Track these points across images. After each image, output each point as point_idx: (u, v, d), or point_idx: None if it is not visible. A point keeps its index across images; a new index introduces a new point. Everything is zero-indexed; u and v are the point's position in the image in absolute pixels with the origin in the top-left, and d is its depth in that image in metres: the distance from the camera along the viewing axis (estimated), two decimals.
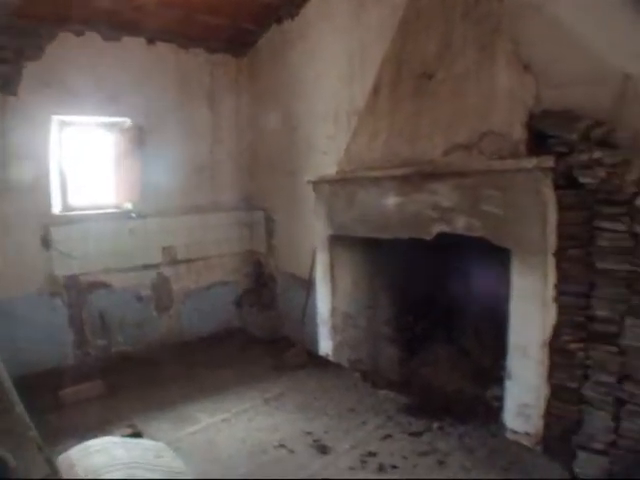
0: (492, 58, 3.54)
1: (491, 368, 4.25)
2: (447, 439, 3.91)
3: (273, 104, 6.14)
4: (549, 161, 3.05)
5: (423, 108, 3.90)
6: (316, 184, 4.74)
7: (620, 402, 2.96)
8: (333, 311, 4.84)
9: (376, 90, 4.30)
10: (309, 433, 4.10)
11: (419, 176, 3.73)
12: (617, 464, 2.97)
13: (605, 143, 3.05)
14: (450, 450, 3.76)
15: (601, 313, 3.01)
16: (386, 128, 4.14)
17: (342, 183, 4.45)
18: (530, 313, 3.23)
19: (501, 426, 3.46)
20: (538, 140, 3.25)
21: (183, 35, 5.92)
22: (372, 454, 3.77)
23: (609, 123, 3.09)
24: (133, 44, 5.64)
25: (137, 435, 3.83)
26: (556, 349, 3.17)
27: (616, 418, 2.98)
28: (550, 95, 3.34)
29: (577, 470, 3.12)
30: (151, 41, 5.78)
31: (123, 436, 3.61)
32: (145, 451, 3.14)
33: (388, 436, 4.01)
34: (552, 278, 3.12)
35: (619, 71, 3.08)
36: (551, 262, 3.12)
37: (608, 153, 2.92)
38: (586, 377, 3.09)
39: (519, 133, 3.33)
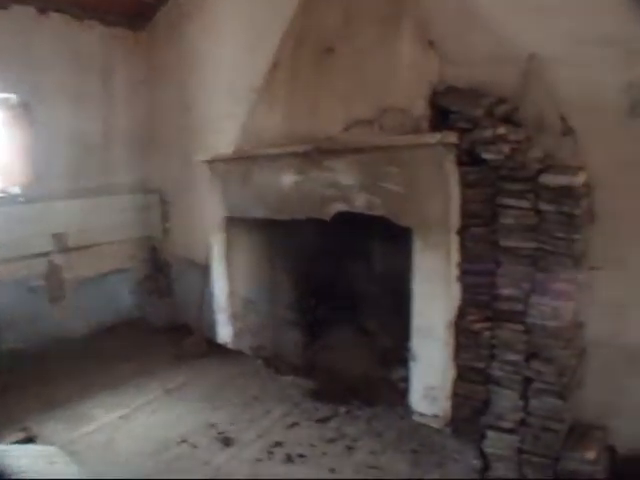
0: (396, 33, 3.41)
1: (396, 349, 4.15)
2: (355, 423, 3.79)
3: (170, 81, 5.77)
4: (452, 137, 2.95)
5: (323, 83, 3.71)
6: (211, 163, 4.43)
7: (527, 380, 2.94)
8: (231, 296, 4.57)
9: (275, 65, 4.06)
10: (212, 425, 3.87)
11: (317, 153, 3.53)
12: (529, 443, 2.95)
13: (509, 120, 3.03)
14: (358, 435, 3.65)
15: (506, 291, 2.97)
16: (284, 104, 3.91)
17: (238, 162, 4.18)
18: (434, 293, 3.14)
19: (409, 408, 3.38)
20: (441, 116, 3.18)
21: (77, 6, 5.41)
22: (278, 444, 3.60)
23: (513, 101, 3.09)
24: (22, 13, 5.08)
25: (30, 440, 3.55)
26: (461, 329, 3.12)
27: (524, 396, 2.96)
28: (455, 72, 3.33)
29: (487, 450, 3.09)
30: (42, 11, 5.23)
31: (14, 442, 3.38)
32: (36, 458, 2.89)
33: (294, 424, 3.84)
34: (455, 257, 3.06)
35: (524, 51, 3.09)
36: (454, 241, 3.05)
37: (512, 129, 2.90)
38: (493, 357, 3.05)
39: (421, 109, 3.21)
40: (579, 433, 3.03)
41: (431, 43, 3.44)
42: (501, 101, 3.08)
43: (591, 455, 2.86)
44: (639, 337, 3.01)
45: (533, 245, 2.87)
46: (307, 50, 3.87)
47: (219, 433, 3.75)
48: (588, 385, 3.15)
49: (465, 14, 3.32)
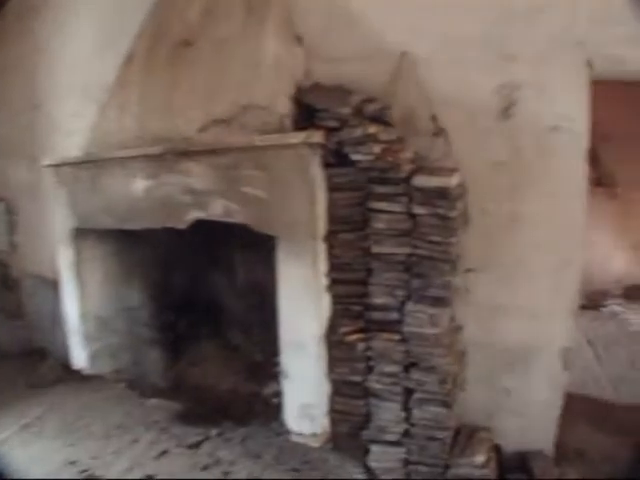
0: (260, 26, 3.19)
1: (266, 363, 3.95)
2: (229, 446, 3.49)
3: (17, 77, 5.19)
4: (317, 136, 2.76)
5: (180, 79, 3.38)
6: (57, 168, 3.96)
7: (408, 391, 2.86)
8: (84, 316, 4.11)
9: (130, 59, 3.68)
10: (74, 462, 3.41)
11: (171, 155, 3.20)
12: (415, 453, 2.89)
13: (379, 120, 2.90)
14: (234, 458, 3.35)
15: (379, 300, 2.85)
16: (138, 102, 3.54)
17: (86, 166, 3.74)
18: (301, 305, 2.93)
19: (285, 426, 3.19)
20: (307, 115, 2.98)
21: None
22: (149, 477, 3.23)
23: (384, 100, 2.98)
24: None
25: None
26: (334, 342, 2.94)
27: (406, 408, 2.88)
28: (323, 69, 3.22)
29: (372, 464, 2.97)
30: None
31: None
32: None
33: (164, 452, 3.47)
34: (323, 266, 2.87)
35: (396, 48, 3.04)
36: (321, 248, 2.85)
37: (383, 129, 2.80)
38: (370, 369, 2.92)
39: (285, 106, 3.00)
40: (466, 436, 3.00)
41: (298, 38, 3.27)
42: (371, 99, 2.94)
43: (480, 459, 2.82)
44: (514, 336, 3.04)
45: (407, 250, 2.75)
46: (164, 44, 3.53)
47: (82, 471, 3.32)
48: (470, 387, 3.13)
49: (335, 9, 3.22)
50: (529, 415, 3.09)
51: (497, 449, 3.07)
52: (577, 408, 3.39)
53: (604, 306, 6.12)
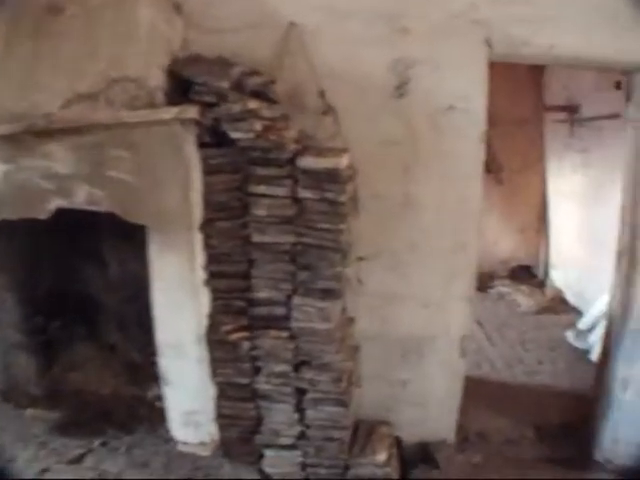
0: None
1: (146, 363, 3.52)
2: (114, 457, 3.09)
3: None
4: (192, 111, 2.40)
5: (45, 50, 2.86)
6: None
7: (301, 391, 2.65)
8: None
9: None
10: None
11: (30, 136, 2.71)
12: (312, 456, 2.71)
13: (261, 95, 2.59)
14: (121, 469, 2.97)
15: (263, 294, 2.57)
16: None
17: None
18: (178, 302, 2.62)
19: (171, 435, 2.90)
20: (183, 89, 2.59)
21: None
22: None
23: (268, 74, 2.67)
24: None
25: None
26: (216, 342, 2.64)
27: (299, 409, 2.67)
28: (204, 40, 2.82)
29: (268, 470, 2.75)
30: None
31: None
32: None
33: (44, 471, 2.99)
34: (200, 258, 2.55)
35: (283, 19, 2.71)
36: (197, 239, 2.53)
37: (266, 105, 2.50)
38: (257, 369, 2.66)
39: (157, 79, 2.57)
40: (365, 433, 2.87)
41: (177, 7, 2.85)
42: (253, 73, 2.60)
43: (381, 457, 2.71)
44: (409, 326, 2.93)
45: (292, 239, 2.48)
46: (29, 10, 2.98)
47: None
48: (367, 381, 2.96)
49: None
50: (428, 405, 3.01)
51: (398, 442, 2.97)
52: (474, 391, 3.27)
53: (491, 287, 6.07)
